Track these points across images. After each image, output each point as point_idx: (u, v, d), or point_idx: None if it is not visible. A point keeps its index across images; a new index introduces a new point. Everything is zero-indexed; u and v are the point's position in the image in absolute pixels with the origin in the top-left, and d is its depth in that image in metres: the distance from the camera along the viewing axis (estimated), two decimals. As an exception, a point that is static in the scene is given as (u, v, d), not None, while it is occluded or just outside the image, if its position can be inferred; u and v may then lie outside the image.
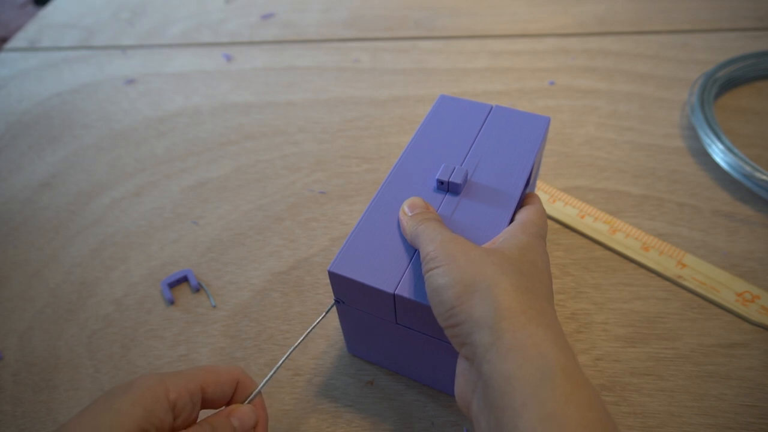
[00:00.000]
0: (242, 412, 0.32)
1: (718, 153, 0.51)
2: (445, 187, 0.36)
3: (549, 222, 0.48)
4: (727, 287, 0.42)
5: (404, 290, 0.31)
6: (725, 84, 0.59)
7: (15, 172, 0.58)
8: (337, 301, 0.35)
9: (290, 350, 0.34)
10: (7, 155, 0.60)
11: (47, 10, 0.84)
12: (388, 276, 0.32)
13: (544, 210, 0.35)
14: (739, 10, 0.72)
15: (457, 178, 0.35)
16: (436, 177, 0.36)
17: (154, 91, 0.67)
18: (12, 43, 0.77)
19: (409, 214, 0.33)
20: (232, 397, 0.32)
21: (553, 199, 0.50)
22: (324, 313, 0.35)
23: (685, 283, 0.43)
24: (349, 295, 0.34)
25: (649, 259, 0.45)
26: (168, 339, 0.43)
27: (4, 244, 0.51)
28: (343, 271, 0.32)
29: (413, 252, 0.33)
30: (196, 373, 0.31)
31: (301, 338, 0.35)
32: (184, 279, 0.46)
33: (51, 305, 0.46)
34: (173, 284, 0.46)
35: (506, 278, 0.27)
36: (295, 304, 0.44)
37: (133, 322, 0.44)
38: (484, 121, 0.40)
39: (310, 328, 0.35)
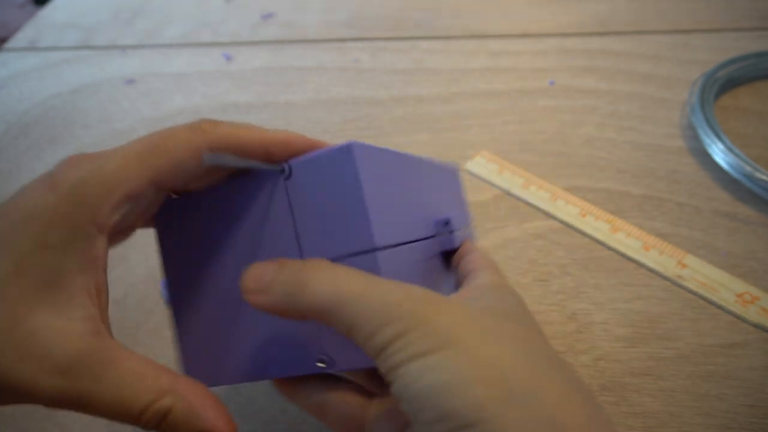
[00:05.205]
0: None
1: (718, 153, 0.51)
2: None
3: (550, 221, 0.48)
4: (727, 288, 0.42)
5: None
6: (725, 84, 0.59)
7: (15, 172, 0.58)
8: None
9: None
10: (7, 155, 0.60)
11: (47, 10, 0.84)
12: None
13: (486, 256, 0.30)
14: (739, 10, 0.72)
15: None
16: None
17: (154, 91, 0.67)
18: (12, 43, 0.77)
19: (267, 279, 0.22)
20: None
21: (554, 197, 0.50)
22: None
23: (686, 284, 0.43)
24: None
25: (650, 259, 0.45)
26: (169, 339, 0.43)
27: (5, 244, 0.51)
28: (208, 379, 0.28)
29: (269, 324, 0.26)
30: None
31: None
32: (184, 279, 0.46)
33: (51, 305, 0.46)
34: (173, 284, 0.46)
35: (551, 376, 0.19)
36: (295, 304, 0.44)
37: (134, 322, 0.44)
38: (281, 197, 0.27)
39: None
